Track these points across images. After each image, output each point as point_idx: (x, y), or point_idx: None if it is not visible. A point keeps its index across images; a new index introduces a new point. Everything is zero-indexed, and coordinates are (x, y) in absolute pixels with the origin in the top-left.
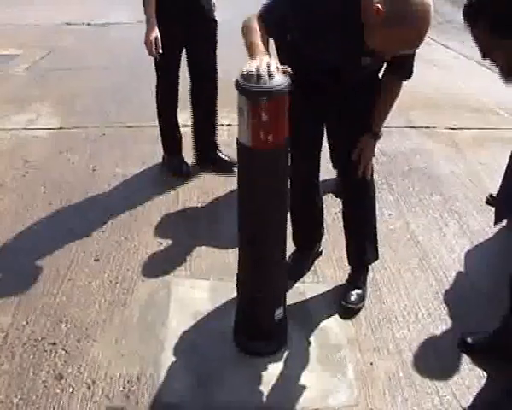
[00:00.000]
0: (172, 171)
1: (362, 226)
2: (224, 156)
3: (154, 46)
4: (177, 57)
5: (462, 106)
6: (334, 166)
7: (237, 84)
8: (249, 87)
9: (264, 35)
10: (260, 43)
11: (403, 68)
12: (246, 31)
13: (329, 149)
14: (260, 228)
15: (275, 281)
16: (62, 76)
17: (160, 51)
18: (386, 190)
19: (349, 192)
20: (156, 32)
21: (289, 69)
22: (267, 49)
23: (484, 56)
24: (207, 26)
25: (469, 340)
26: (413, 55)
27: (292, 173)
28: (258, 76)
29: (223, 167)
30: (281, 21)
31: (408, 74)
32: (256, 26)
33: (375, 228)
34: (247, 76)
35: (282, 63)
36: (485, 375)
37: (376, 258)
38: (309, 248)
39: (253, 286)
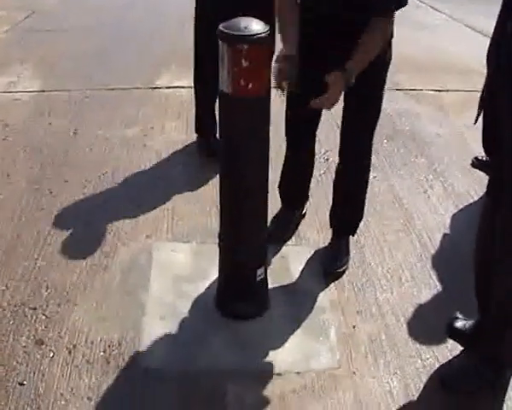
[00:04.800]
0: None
1: (354, 195)
2: None
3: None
4: None
5: (449, 68)
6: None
7: (219, 32)
8: (230, 33)
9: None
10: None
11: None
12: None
13: None
14: (240, 181)
15: (255, 238)
16: (44, 38)
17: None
18: None
19: (348, 157)
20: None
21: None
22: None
23: None
24: None
25: (458, 325)
26: None
27: (291, 118)
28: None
29: None
30: None
31: (384, 8)
32: None
33: (365, 198)
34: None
35: None
36: None
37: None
38: (294, 208)
39: (234, 245)
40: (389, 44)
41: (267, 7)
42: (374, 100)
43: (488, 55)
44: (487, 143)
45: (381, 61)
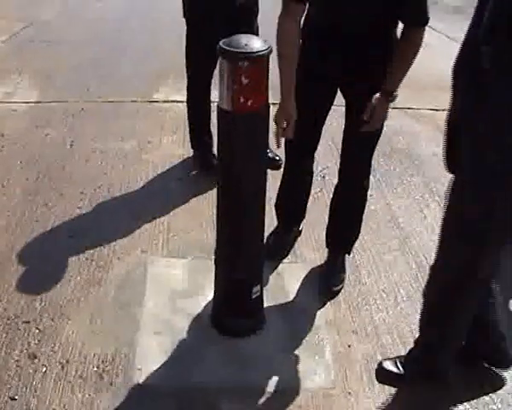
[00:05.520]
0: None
1: (351, 214)
2: None
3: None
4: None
5: (446, 87)
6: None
7: (219, 48)
8: (230, 50)
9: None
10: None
11: (419, 11)
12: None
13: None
14: (238, 197)
15: (251, 256)
16: (42, 49)
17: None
18: None
19: (347, 176)
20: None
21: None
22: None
23: None
24: None
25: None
26: None
27: (293, 140)
28: None
29: None
30: None
31: (425, 18)
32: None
33: (362, 217)
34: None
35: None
36: None
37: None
38: (290, 225)
39: (230, 262)
40: None
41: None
42: None
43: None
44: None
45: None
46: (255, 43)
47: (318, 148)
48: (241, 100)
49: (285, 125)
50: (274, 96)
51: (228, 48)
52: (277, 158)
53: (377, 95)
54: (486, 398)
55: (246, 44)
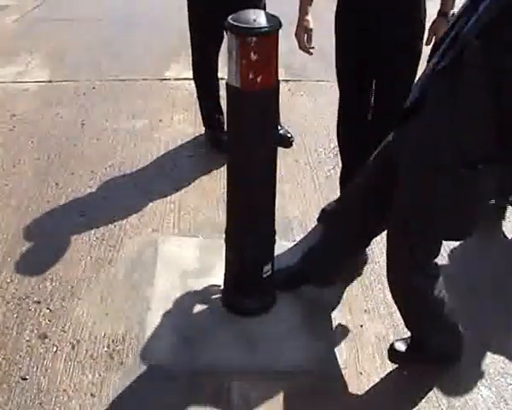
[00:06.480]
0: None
1: None
2: None
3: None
4: None
5: None
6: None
7: (227, 24)
8: (238, 26)
9: None
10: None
11: None
12: None
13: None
14: (247, 174)
15: (262, 235)
16: (53, 28)
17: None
18: None
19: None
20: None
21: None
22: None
23: None
24: None
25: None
26: None
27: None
28: None
29: None
30: None
31: None
32: None
33: None
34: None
35: None
36: None
37: None
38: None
39: (241, 241)
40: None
41: None
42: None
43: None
44: None
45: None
46: (264, 19)
47: (331, 124)
48: (251, 76)
49: (305, 38)
50: (286, 73)
51: (236, 23)
52: (289, 135)
53: (435, 17)
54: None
55: (254, 20)
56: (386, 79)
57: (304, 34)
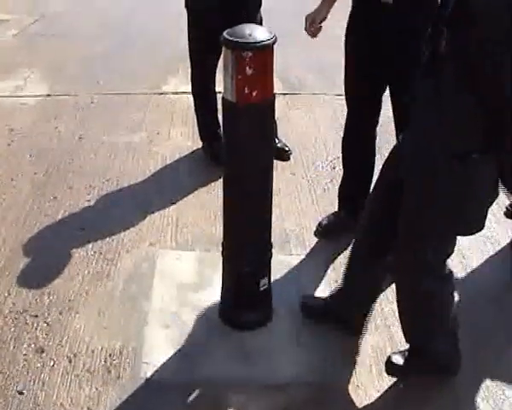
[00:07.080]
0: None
1: None
2: None
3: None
4: None
5: None
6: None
7: (223, 39)
8: (234, 40)
9: None
10: None
11: None
12: None
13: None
14: (244, 187)
15: (259, 248)
16: (52, 42)
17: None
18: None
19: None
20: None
21: None
22: None
23: None
24: None
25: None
26: None
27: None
28: None
29: None
30: None
31: None
32: None
33: None
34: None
35: None
36: None
37: None
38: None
39: (237, 255)
40: None
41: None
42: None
43: None
44: None
45: None
46: (259, 33)
47: (329, 136)
48: (246, 91)
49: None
50: (283, 86)
51: (232, 38)
52: (286, 148)
53: None
54: None
55: (250, 34)
56: (400, 93)
57: (317, 20)
